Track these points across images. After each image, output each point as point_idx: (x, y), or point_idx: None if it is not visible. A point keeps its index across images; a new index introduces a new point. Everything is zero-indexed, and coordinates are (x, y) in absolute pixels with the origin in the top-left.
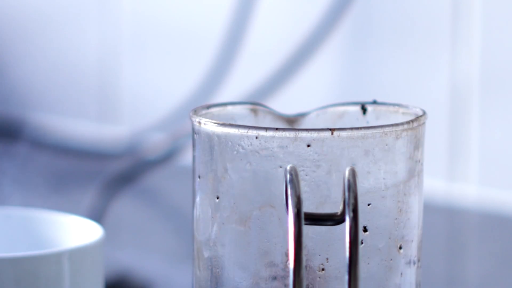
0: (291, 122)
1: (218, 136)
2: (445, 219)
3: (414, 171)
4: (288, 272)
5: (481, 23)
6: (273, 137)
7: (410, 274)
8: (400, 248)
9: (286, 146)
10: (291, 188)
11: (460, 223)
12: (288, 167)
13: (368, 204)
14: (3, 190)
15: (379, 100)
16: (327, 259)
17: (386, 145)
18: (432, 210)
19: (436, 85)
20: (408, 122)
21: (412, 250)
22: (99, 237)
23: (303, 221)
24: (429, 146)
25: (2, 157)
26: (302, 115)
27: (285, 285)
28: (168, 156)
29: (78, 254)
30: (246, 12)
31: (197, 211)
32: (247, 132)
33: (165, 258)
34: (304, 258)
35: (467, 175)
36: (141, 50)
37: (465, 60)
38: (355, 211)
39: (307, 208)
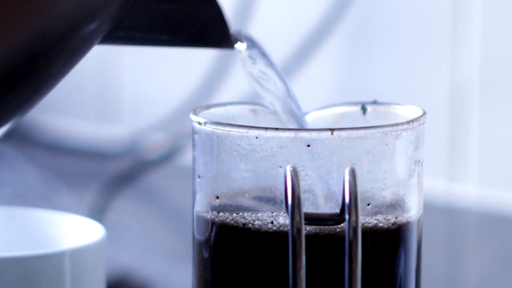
0: None
1: (218, 136)
2: (445, 219)
3: (414, 171)
4: None
5: (481, 23)
6: (273, 137)
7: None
8: None
9: (286, 146)
10: (291, 188)
11: (460, 223)
12: (288, 167)
13: (368, 204)
14: (3, 190)
15: (379, 100)
16: None
17: (386, 145)
18: (432, 210)
19: (436, 85)
20: (408, 122)
21: None
22: (100, 237)
23: (303, 221)
24: (429, 146)
25: (2, 157)
26: None
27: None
28: (168, 156)
29: (79, 254)
30: (246, 11)
31: (197, 211)
32: (247, 132)
33: (165, 258)
34: (304, 258)
35: (467, 175)
36: (141, 50)
37: (465, 60)
38: (355, 211)
39: (307, 208)
